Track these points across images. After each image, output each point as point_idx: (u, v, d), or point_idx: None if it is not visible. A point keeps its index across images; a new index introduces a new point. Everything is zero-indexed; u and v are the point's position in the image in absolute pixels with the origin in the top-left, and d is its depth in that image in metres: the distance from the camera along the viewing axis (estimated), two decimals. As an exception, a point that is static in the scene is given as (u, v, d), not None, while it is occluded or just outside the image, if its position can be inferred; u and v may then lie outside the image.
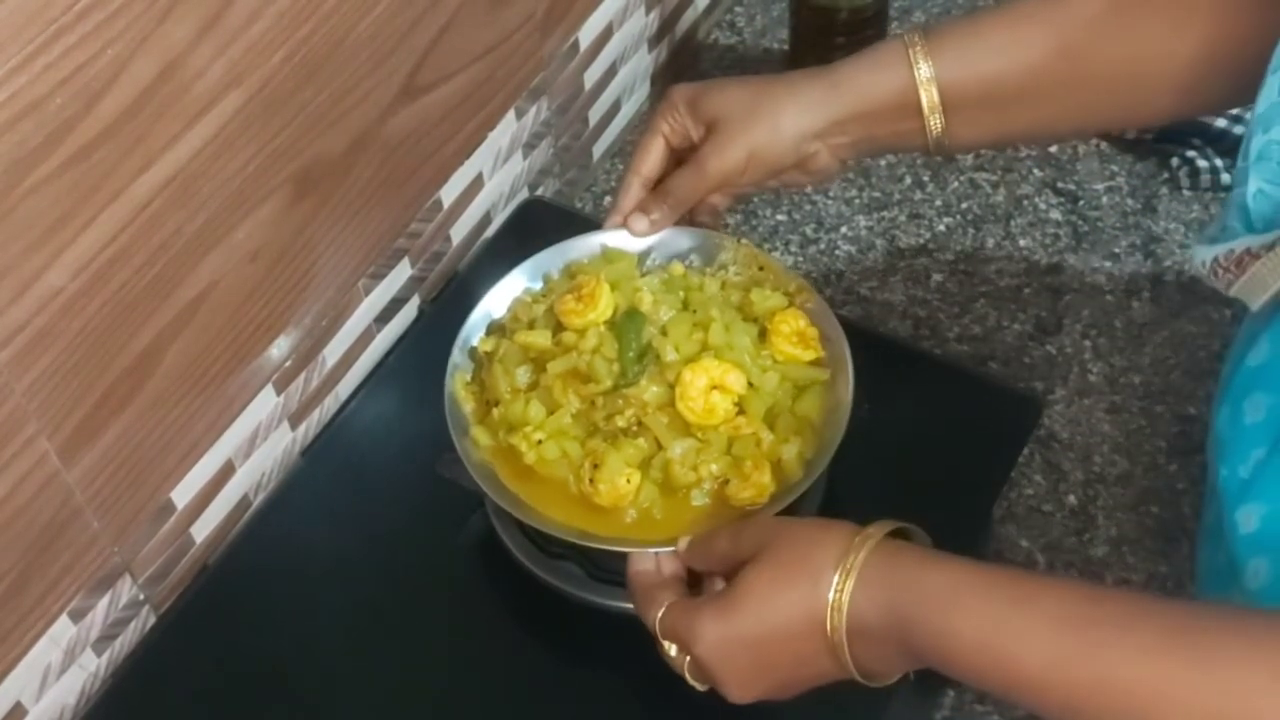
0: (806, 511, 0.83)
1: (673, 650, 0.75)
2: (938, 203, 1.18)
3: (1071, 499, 1.00)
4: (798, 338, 0.86)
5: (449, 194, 1.04)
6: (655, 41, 1.25)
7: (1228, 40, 0.81)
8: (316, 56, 0.84)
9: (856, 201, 1.18)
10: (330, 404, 1.01)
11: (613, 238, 0.92)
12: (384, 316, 1.03)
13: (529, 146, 1.12)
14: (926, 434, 0.94)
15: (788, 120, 0.87)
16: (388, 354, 1.04)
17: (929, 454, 0.93)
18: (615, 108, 1.23)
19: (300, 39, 0.82)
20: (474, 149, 1.05)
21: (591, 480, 0.81)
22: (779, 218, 1.17)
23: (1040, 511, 1.00)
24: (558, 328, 0.86)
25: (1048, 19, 0.85)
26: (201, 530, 0.92)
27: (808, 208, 1.18)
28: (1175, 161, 1.17)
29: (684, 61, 1.30)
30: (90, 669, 0.87)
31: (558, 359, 0.84)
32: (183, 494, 0.89)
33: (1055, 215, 1.16)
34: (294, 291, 0.91)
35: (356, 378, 1.03)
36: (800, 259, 1.14)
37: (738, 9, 1.35)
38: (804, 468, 0.82)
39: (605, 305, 0.85)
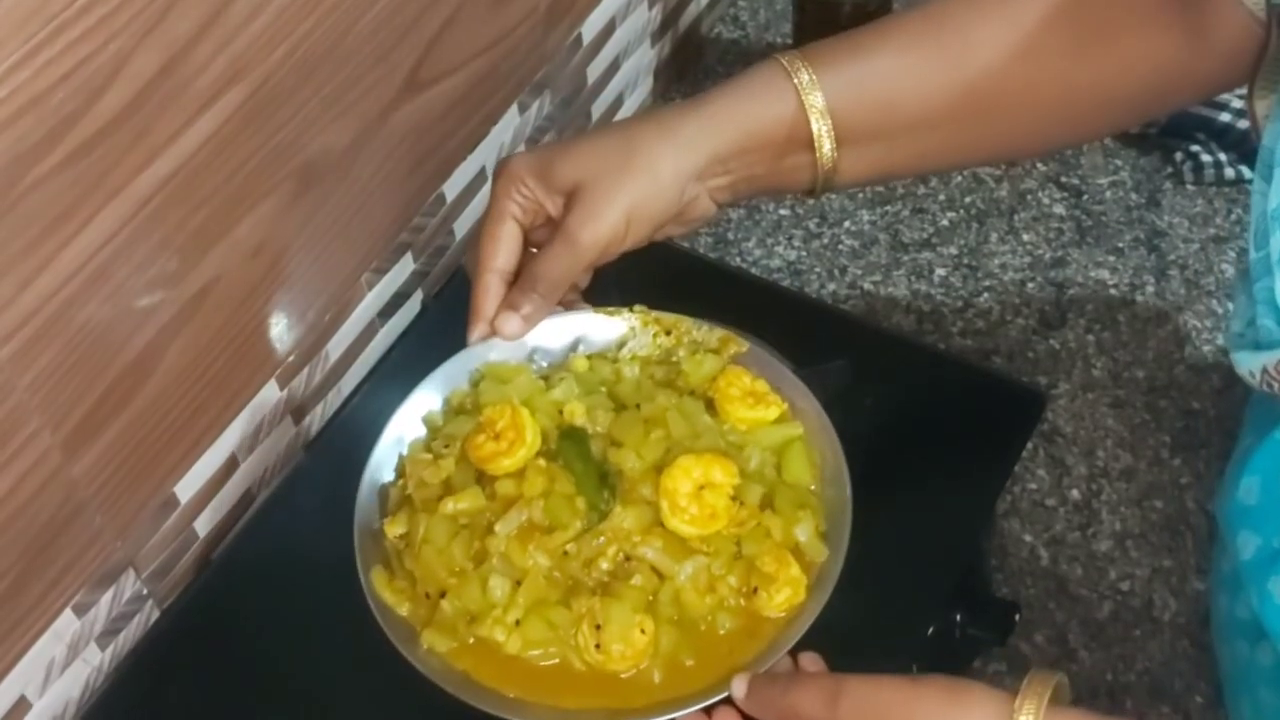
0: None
1: None
2: (941, 197, 1.17)
3: (1075, 493, 1.00)
4: (751, 397, 0.75)
5: (452, 189, 1.04)
6: (658, 36, 1.25)
7: (1146, 61, 0.78)
8: (319, 51, 0.84)
9: (860, 196, 1.18)
10: (333, 399, 1.01)
11: (485, 352, 0.78)
12: (387, 311, 1.03)
13: (532, 141, 1.12)
14: (930, 428, 0.94)
15: (665, 164, 0.76)
16: (391, 349, 1.04)
17: (932, 449, 0.93)
18: (618, 102, 1.23)
19: (303, 33, 0.82)
20: (477, 144, 1.05)
21: (598, 645, 0.68)
22: (782, 212, 1.17)
23: (1044, 506, 1.00)
24: (479, 478, 0.72)
25: (942, 45, 0.79)
26: (204, 525, 0.92)
27: (811, 202, 1.17)
28: (1179, 156, 1.17)
29: (687, 56, 1.30)
30: (94, 663, 0.87)
31: (505, 516, 0.69)
32: (186, 489, 0.89)
33: (1059, 210, 1.16)
34: (297, 286, 0.91)
35: (360, 372, 1.03)
36: (804, 253, 1.14)
37: (741, 3, 1.34)
38: (826, 544, 0.72)
39: (533, 435, 0.72)
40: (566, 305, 0.81)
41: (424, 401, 0.78)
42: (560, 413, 0.74)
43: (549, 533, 0.69)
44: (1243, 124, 1.14)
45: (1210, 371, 1.06)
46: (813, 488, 0.74)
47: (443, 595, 0.70)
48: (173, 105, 0.75)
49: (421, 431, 0.78)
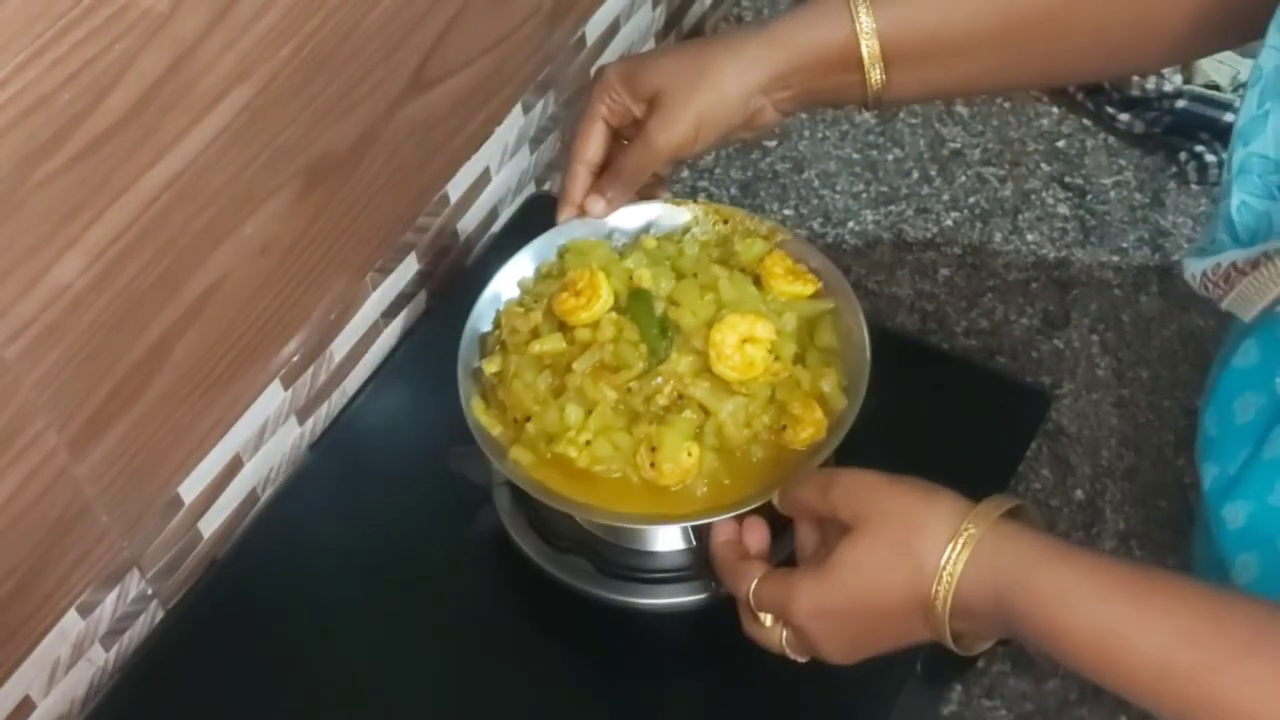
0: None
1: (768, 621, 0.75)
2: (945, 197, 1.17)
3: (1079, 493, 1.00)
4: (792, 275, 0.87)
5: (456, 188, 1.04)
6: (662, 35, 1.25)
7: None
8: (324, 50, 0.84)
9: (864, 196, 1.18)
10: (338, 398, 1.01)
11: (570, 231, 0.91)
12: (391, 311, 1.03)
13: (536, 141, 1.12)
14: (934, 427, 0.94)
15: (730, 81, 0.86)
16: (395, 348, 1.04)
17: (937, 447, 0.93)
18: (622, 102, 1.23)
19: (308, 32, 0.82)
20: (481, 143, 1.05)
21: (653, 464, 0.81)
22: (786, 211, 1.17)
23: (1048, 505, 1.00)
24: (561, 327, 0.85)
25: None
26: (209, 525, 0.92)
27: (815, 202, 1.17)
28: (1183, 156, 1.17)
29: (690, 55, 1.30)
30: (98, 663, 0.87)
31: (582, 357, 0.83)
32: (191, 488, 0.89)
33: (1063, 209, 1.16)
34: (302, 285, 0.91)
35: (364, 372, 1.03)
36: (807, 253, 1.14)
37: (744, 2, 1.34)
38: (846, 395, 0.83)
39: (607, 294, 0.84)
40: (649, 195, 0.94)
41: (518, 268, 0.91)
42: (630, 277, 0.86)
43: (616, 371, 0.82)
44: (1246, 124, 1.15)
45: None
46: (838, 352, 0.86)
47: (528, 420, 0.83)
48: (179, 104, 0.75)
49: (515, 293, 0.90)
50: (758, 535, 0.80)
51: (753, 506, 0.80)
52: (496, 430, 0.84)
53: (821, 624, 0.73)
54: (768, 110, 0.89)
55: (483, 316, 0.89)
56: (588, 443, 0.82)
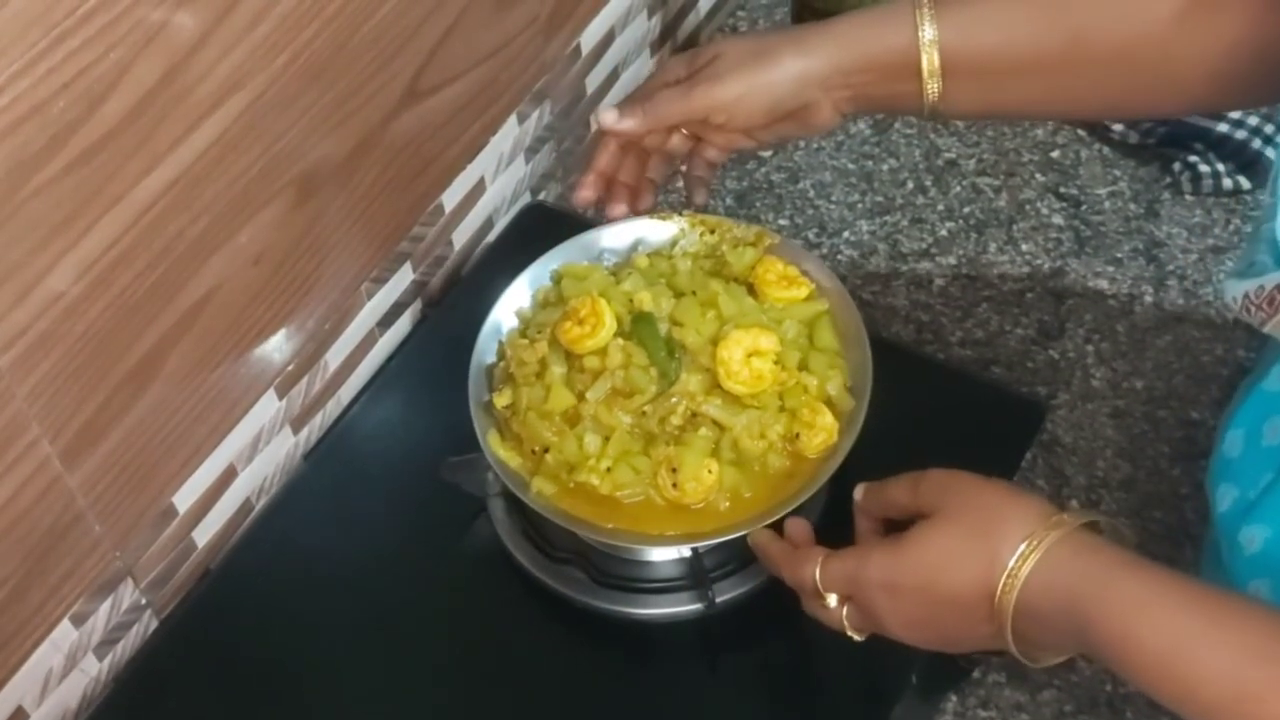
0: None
1: (832, 601, 0.76)
2: (940, 207, 1.17)
3: (1075, 504, 1.00)
4: (785, 280, 0.88)
5: (451, 198, 1.04)
6: (657, 46, 1.25)
7: (1250, 40, 0.80)
8: (320, 60, 0.84)
9: (859, 206, 1.18)
10: (332, 408, 1.01)
11: (561, 256, 0.92)
12: (386, 321, 1.03)
13: (531, 151, 1.12)
14: (930, 438, 0.94)
15: (789, 62, 0.86)
16: (390, 358, 1.04)
17: (932, 458, 0.92)
18: (617, 112, 1.23)
19: (304, 42, 0.82)
20: (476, 153, 1.05)
21: (675, 485, 0.82)
22: (781, 222, 1.17)
23: (1043, 516, 1.00)
24: (567, 357, 0.85)
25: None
26: (203, 535, 0.92)
27: (810, 212, 1.18)
28: (1177, 166, 1.17)
29: (686, 66, 1.30)
30: (92, 673, 0.87)
31: (594, 385, 0.84)
32: (185, 498, 0.89)
33: (1058, 220, 1.16)
34: (297, 295, 0.91)
35: (359, 382, 1.02)
36: (803, 263, 1.14)
37: (740, 13, 1.35)
38: (853, 395, 0.84)
39: (610, 320, 0.85)
40: (638, 208, 0.94)
41: (515, 297, 0.91)
42: (630, 301, 0.87)
43: (629, 397, 0.83)
44: (1240, 134, 1.15)
45: (1209, 382, 1.06)
46: (839, 351, 0.87)
47: (546, 451, 0.84)
48: (174, 113, 0.75)
49: (514, 323, 0.91)
50: (801, 531, 0.81)
51: (776, 518, 0.81)
52: (515, 462, 0.85)
53: (889, 597, 0.73)
54: (824, 107, 0.88)
55: (486, 349, 0.89)
56: (608, 469, 0.82)
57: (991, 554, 0.69)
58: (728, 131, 0.90)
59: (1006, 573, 0.69)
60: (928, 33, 0.84)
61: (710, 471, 0.82)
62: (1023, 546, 0.69)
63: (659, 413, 0.83)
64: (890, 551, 0.73)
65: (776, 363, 0.84)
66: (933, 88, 0.86)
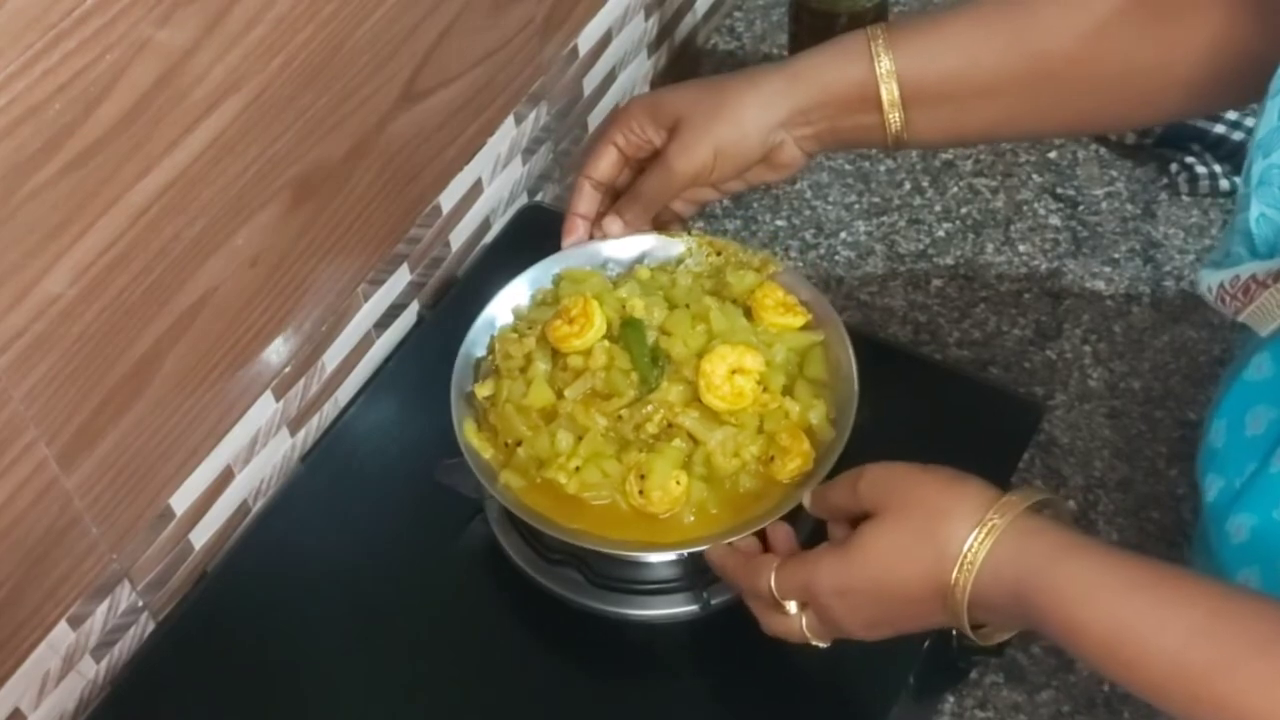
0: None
1: (792, 608, 0.76)
2: (937, 208, 1.18)
3: (1071, 504, 1.00)
4: (783, 307, 0.88)
5: (448, 200, 1.04)
6: (654, 47, 1.25)
7: (1220, 44, 0.80)
8: (315, 62, 0.84)
9: (856, 207, 1.18)
10: (329, 410, 1.01)
11: (565, 259, 0.92)
12: (383, 322, 1.03)
13: (528, 152, 1.12)
14: (927, 438, 0.94)
15: (751, 114, 0.87)
16: (387, 360, 1.04)
17: (929, 458, 0.92)
18: (614, 113, 1.23)
19: (299, 44, 0.82)
20: (473, 154, 1.05)
21: (641, 492, 0.81)
22: (778, 223, 1.17)
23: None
24: (553, 354, 0.86)
25: (1011, 18, 0.85)
26: (200, 537, 0.92)
27: (807, 213, 1.18)
28: (1174, 167, 1.17)
29: (683, 67, 1.30)
30: (89, 676, 0.87)
31: (573, 384, 0.84)
32: (182, 500, 0.89)
33: (1055, 220, 1.16)
34: (293, 297, 0.91)
35: (356, 384, 1.02)
36: (800, 264, 1.14)
37: (737, 14, 1.35)
38: (833, 427, 0.84)
39: (600, 322, 0.85)
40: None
41: (513, 295, 0.92)
42: (623, 306, 0.87)
43: (607, 399, 0.83)
44: (1237, 135, 1.15)
45: (1206, 382, 1.06)
46: (826, 383, 0.86)
47: (519, 444, 0.84)
48: (170, 115, 0.75)
49: (510, 319, 0.91)
50: (753, 546, 0.80)
51: (741, 536, 0.80)
52: (488, 453, 0.85)
53: (844, 601, 0.73)
54: (788, 147, 0.89)
55: (477, 341, 0.90)
56: (577, 469, 0.82)
57: (940, 551, 0.69)
58: (699, 187, 0.91)
59: (958, 567, 0.69)
60: (884, 64, 0.84)
61: (679, 483, 0.81)
62: (970, 539, 0.69)
63: (635, 419, 0.83)
64: (840, 557, 0.73)
65: (760, 383, 0.83)
66: (895, 118, 0.86)
